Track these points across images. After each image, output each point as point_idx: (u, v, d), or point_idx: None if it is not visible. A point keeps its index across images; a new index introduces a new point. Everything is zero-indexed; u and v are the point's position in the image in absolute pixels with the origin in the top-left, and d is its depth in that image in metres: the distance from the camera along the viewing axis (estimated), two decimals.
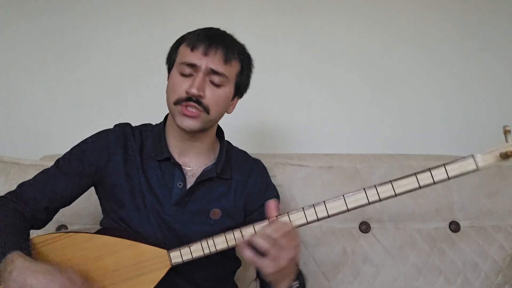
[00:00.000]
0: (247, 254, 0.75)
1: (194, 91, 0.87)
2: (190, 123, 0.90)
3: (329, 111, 1.61)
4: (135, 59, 1.56)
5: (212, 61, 0.89)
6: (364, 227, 1.31)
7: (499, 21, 1.60)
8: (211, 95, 0.90)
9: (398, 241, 1.31)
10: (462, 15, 1.60)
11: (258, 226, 0.80)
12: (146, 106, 1.52)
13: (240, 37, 0.98)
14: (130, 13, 1.56)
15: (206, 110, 0.90)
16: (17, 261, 0.74)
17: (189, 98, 0.88)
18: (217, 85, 0.90)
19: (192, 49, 0.90)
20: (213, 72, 0.89)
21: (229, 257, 1.04)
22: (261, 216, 1.01)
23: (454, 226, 1.33)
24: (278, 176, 1.30)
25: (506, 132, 0.72)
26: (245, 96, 1.03)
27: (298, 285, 0.84)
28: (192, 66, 0.89)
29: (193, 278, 0.95)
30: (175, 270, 0.89)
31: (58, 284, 0.73)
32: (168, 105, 0.93)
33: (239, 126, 1.57)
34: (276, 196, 1.07)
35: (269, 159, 1.30)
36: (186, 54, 0.91)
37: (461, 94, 1.62)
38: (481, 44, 1.61)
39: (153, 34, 1.56)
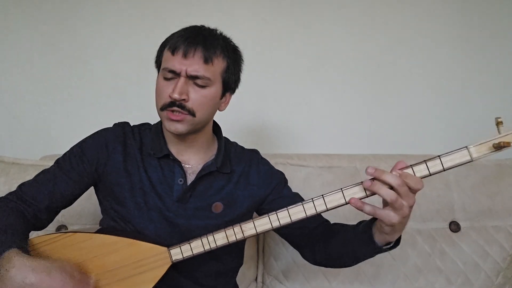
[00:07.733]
0: (367, 209, 0.74)
1: (176, 95, 0.86)
2: (177, 127, 0.90)
3: (329, 111, 1.61)
4: (135, 59, 1.56)
5: (191, 64, 0.86)
6: None
7: (499, 22, 1.60)
8: (195, 97, 0.88)
9: None
10: (462, 15, 1.60)
11: (258, 221, 0.81)
12: (146, 106, 1.50)
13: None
14: (129, 14, 1.56)
15: (191, 113, 0.89)
16: (14, 259, 0.73)
17: (173, 103, 0.88)
18: (202, 86, 0.89)
19: (173, 53, 0.88)
20: (193, 77, 0.88)
21: (232, 253, 1.03)
22: (275, 197, 1.02)
23: (455, 226, 1.33)
24: None
25: (498, 124, 0.72)
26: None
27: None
28: (173, 72, 0.88)
29: (195, 276, 0.95)
30: (176, 268, 0.89)
31: (57, 280, 0.73)
32: (157, 111, 0.93)
33: (239, 126, 1.57)
34: (284, 178, 1.07)
35: (269, 159, 1.28)
36: (168, 59, 0.90)
37: (461, 94, 1.62)
38: (481, 45, 1.61)
39: (152, 34, 1.55)
